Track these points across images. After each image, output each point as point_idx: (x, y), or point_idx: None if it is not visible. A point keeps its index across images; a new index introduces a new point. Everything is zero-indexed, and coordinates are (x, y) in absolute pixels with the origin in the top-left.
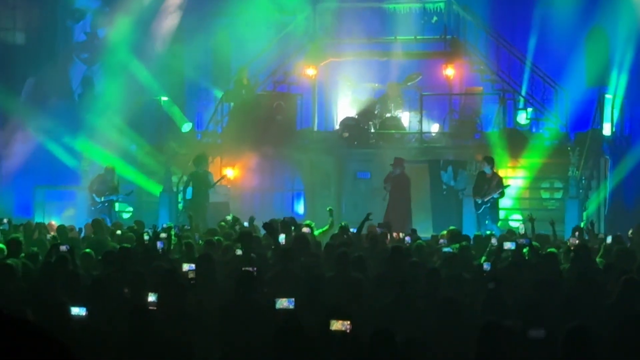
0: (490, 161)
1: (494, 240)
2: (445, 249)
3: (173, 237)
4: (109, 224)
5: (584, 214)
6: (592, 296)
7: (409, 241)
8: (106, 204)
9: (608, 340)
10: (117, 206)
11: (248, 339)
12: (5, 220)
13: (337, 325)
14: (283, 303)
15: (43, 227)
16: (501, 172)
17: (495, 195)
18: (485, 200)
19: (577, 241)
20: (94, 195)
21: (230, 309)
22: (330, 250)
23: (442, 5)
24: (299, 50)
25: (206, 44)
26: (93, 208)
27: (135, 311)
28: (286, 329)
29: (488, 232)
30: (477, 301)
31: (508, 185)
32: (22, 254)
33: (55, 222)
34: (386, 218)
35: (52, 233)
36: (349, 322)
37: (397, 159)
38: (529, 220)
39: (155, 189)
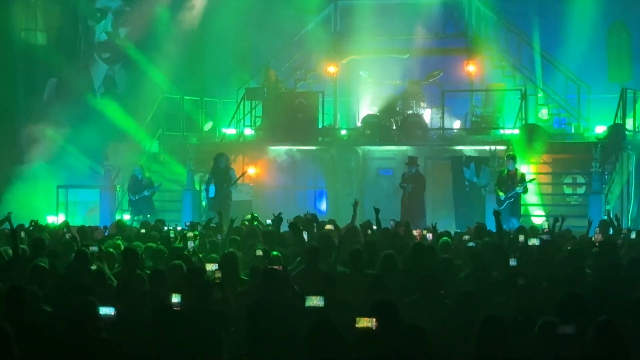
0: (514, 158)
1: (521, 237)
2: (470, 244)
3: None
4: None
5: (607, 208)
6: (619, 291)
7: (430, 238)
8: (140, 200)
9: (637, 335)
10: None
11: (276, 337)
12: (32, 223)
13: (363, 322)
14: (313, 301)
15: (68, 228)
16: (523, 168)
17: (519, 190)
18: (509, 195)
19: (601, 236)
20: (129, 194)
21: (258, 308)
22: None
23: (463, 1)
24: (320, 47)
25: (227, 42)
26: (132, 207)
27: (160, 312)
28: (319, 327)
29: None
30: (508, 297)
31: (532, 180)
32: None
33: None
34: (404, 217)
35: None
36: (375, 319)
37: (412, 157)
38: (560, 219)
39: (178, 186)
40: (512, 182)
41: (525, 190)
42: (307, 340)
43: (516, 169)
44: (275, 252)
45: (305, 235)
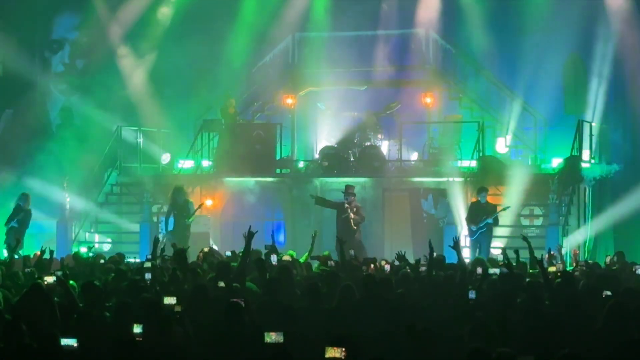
0: (486, 191)
1: (479, 270)
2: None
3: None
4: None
5: (563, 239)
6: (577, 322)
7: (388, 270)
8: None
9: None
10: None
11: None
12: None
13: (332, 352)
14: (272, 337)
15: (27, 260)
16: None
17: (489, 221)
18: (481, 225)
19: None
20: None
21: (219, 341)
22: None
23: (420, 33)
24: (278, 79)
25: (185, 74)
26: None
27: (122, 344)
28: None
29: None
30: (464, 329)
31: (505, 208)
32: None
33: None
34: (361, 252)
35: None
36: (344, 349)
37: (349, 186)
38: (515, 252)
39: (135, 219)
40: (484, 213)
41: (496, 222)
42: None
43: (487, 202)
44: (235, 284)
45: (275, 259)
